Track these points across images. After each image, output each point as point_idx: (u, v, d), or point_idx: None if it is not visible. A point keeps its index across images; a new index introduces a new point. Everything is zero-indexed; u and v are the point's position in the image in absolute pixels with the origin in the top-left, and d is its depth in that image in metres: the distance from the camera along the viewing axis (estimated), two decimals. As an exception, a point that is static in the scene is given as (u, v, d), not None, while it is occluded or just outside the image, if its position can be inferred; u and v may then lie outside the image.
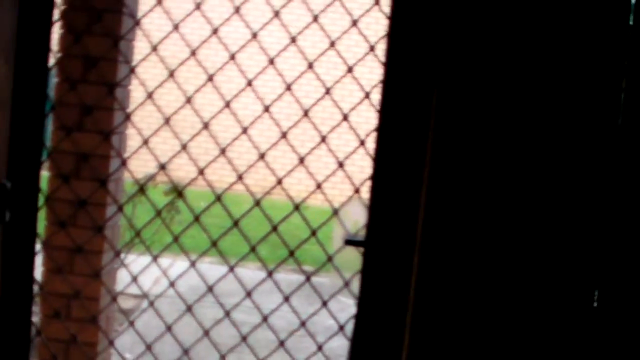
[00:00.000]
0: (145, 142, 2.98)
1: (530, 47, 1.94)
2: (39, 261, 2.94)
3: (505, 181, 1.95)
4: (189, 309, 3.04)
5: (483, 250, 1.96)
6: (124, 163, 3.22)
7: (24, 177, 2.16)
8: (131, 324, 3.21)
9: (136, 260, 4.61)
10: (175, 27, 3.03)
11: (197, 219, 2.97)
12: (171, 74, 2.99)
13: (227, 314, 2.93)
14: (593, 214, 1.95)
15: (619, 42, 1.93)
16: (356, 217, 2.28)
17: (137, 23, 3.26)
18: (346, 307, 4.65)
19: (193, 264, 3.01)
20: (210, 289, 2.98)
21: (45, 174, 3.03)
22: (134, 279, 3.19)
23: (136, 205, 5.59)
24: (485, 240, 1.96)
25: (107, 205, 3.32)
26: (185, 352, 3.04)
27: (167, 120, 3.01)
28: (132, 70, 3.27)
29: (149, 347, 3.07)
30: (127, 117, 3.24)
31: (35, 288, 2.23)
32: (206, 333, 2.98)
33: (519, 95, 1.94)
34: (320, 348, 2.78)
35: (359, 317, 2.16)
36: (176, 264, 3.49)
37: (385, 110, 2.11)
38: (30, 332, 2.20)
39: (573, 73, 1.93)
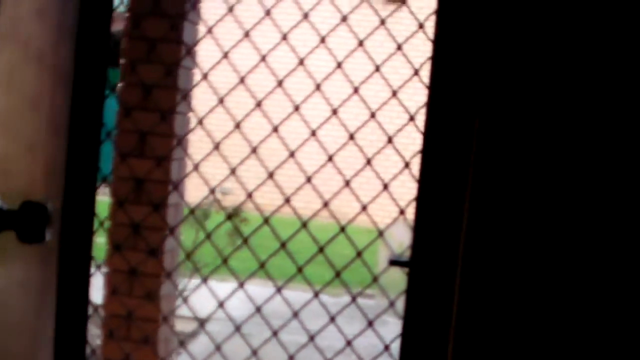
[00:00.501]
0: (196, 167, 3.05)
1: (574, 71, 1.96)
2: (100, 283, 3.05)
3: (544, 203, 1.97)
4: (238, 329, 3.07)
5: (524, 270, 1.98)
6: (175, 187, 3.30)
7: (78, 201, 2.24)
8: (181, 343, 3.27)
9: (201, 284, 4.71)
10: (225, 54, 3.10)
11: (245, 241, 3.00)
12: (221, 101, 3.06)
13: (275, 334, 2.96)
14: None
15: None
16: (401, 238, 2.31)
17: (189, 52, 3.35)
18: (393, 327, 4.65)
19: (241, 285, 3.05)
20: (258, 309, 3.01)
21: (106, 199, 3.14)
22: (184, 300, 3.24)
23: (198, 231, 5.68)
24: (526, 261, 1.98)
25: (164, 229, 3.38)
26: None
27: (217, 146, 3.07)
28: (184, 97, 3.35)
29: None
30: (179, 142, 3.32)
31: (90, 309, 2.30)
32: (254, 352, 3.01)
33: (559, 118, 1.96)
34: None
35: (404, 337, 2.18)
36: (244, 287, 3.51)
37: (429, 133, 2.14)
38: (85, 352, 2.27)
39: (618, 94, 1.94)
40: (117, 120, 3.35)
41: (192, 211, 3.48)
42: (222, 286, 3.09)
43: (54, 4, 2.07)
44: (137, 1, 3.34)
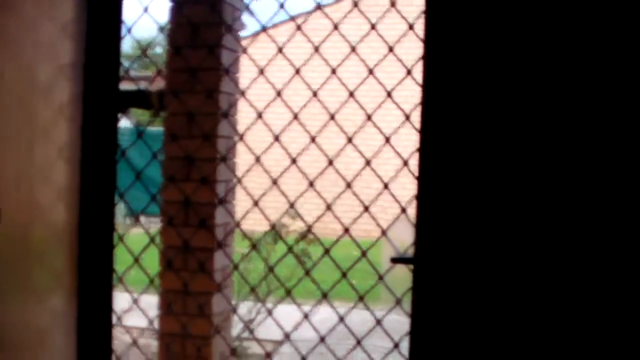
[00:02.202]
0: (256, 203, 3.06)
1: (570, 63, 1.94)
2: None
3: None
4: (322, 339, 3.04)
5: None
6: (220, 202, 3.37)
7: (97, 218, 2.36)
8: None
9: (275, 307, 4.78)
10: (261, 71, 3.14)
11: (307, 273, 2.94)
12: (259, 115, 3.11)
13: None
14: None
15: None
16: (404, 237, 2.30)
17: (226, 73, 3.44)
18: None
19: (306, 316, 2.96)
20: (322, 339, 2.92)
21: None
22: (245, 324, 3.19)
23: (270, 253, 5.80)
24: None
25: (214, 250, 3.47)
26: None
27: (274, 181, 3.08)
28: (225, 116, 3.44)
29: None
30: (223, 160, 3.41)
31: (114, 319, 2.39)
32: None
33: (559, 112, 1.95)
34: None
35: (412, 334, 2.17)
36: (321, 309, 3.45)
37: (426, 131, 2.15)
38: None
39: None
40: (163, 146, 3.48)
41: (275, 228, 3.52)
42: (292, 309, 3.07)
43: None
44: (176, 33, 3.49)
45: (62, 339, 2.29)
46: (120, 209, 12.05)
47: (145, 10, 3.08)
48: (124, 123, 16.25)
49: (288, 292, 3.12)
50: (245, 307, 5.68)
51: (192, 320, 3.39)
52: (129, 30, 2.84)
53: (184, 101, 3.42)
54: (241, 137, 3.13)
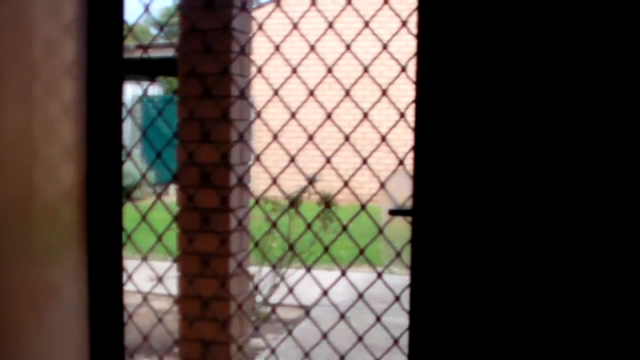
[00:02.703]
0: (292, 159, 3.06)
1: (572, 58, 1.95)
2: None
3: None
4: (342, 316, 3.07)
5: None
6: (239, 179, 3.39)
7: (105, 217, 2.42)
8: (289, 332, 3.30)
9: (295, 274, 4.82)
10: (277, 48, 3.12)
11: (345, 228, 2.93)
12: (276, 92, 3.10)
13: (378, 319, 2.90)
14: None
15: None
16: (403, 190, 2.31)
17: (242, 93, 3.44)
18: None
19: (344, 273, 2.98)
20: (360, 296, 2.95)
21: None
22: (290, 290, 3.17)
23: (292, 218, 5.84)
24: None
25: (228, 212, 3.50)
26: (342, 358, 3.08)
27: (310, 137, 3.08)
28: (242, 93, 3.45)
29: (306, 354, 3.16)
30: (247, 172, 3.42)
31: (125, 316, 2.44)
32: (360, 339, 3.00)
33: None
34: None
35: (413, 286, 2.20)
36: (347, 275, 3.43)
37: (421, 83, 2.16)
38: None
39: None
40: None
41: (291, 203, 3.60)
42: (320, 274, 3.08)
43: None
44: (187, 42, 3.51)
45: (75, 294, 2.34)
46: (151, 176, 12.24)
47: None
48: (154, 90, 16.38)
49: (308, 270, 3.08)
50: (269, 273, 5.73)
51: (208, 282, 3.43)
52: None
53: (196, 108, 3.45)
54: (258, 115, 3.10)
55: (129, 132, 13.92)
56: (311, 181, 4.66)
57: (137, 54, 9.78)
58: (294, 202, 3.42)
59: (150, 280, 3.44)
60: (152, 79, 12.13)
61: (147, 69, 11.49)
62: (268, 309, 6.16)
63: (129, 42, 10.68)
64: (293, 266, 5.71)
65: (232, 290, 3.46)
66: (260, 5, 12.47)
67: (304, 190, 4.37)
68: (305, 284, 3.22)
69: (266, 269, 5.48)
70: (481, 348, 2.06)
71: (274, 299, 6.09)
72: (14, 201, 2.08)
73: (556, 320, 2.01)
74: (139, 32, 16.87)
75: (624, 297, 1.95)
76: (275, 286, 5.92)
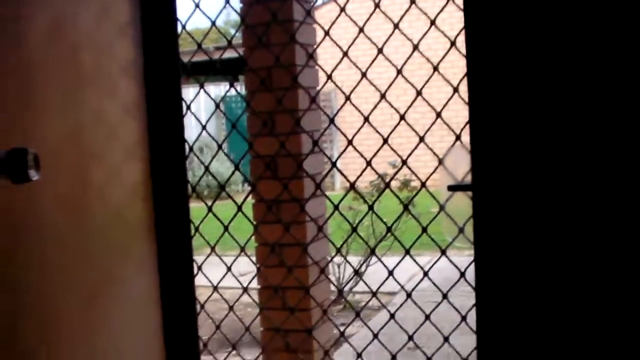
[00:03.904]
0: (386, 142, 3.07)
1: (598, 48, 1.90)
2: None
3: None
4: (444, 296, 2.99)
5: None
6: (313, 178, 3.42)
7: (173, 208, 2.48)
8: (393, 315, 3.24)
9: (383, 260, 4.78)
10: (345, 54, 3.06)
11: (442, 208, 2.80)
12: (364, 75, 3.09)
13: (445, 296, 2.83)
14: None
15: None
16: (462, 165, 2.28)
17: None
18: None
19: (443, 252, 2.90)
20: (462, 274, 2.83)
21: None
22: (390, 273, 3.07)
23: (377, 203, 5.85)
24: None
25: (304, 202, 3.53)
26: (446, 339, 3.02)
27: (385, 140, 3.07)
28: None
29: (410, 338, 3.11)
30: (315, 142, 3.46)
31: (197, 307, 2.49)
32: (427, 318, 2.95)
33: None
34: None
35: (477, 262, 2.17)
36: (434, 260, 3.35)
37: (472, 57, 2.13)
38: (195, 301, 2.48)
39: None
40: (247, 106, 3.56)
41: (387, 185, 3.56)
42: (395, 261, 3.04)
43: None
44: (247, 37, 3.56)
45: (144, 288, 2.41)
46: (237, 177, 12.42)
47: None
48: (235, 91, 16.60)
49: (407, 252, 2.95)
50: (355, 261, 5.77)
51: (287, 274, 3.47)
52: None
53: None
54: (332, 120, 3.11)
55: (215, 132, 14.19)
56: (394, 167, 4.65)
57: (216, 55, 9.94)
58: (387, 185, 3.32)
59: (240, 275, 3.48)
60: (234, 79, 12.32)
61: (226, 70, 11.67)
62: (356, 297, 6.19)
63: (207, 44, 10.85)
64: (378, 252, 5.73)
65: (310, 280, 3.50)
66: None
67: (391, 176, 4.36)
68: (384, 272, 3.19)
69: (350, 258, 5.50)
70: (546, 321, 2.02)
71: (359, 287, 6.15)
72: (74, 201, 2.14)
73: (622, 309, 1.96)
74: (220, 35, 17.22)
75: None
76: (358, 273, 5.95)
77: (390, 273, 2.89)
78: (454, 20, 3.24)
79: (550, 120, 1.98)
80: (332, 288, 5.38)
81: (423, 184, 2.55)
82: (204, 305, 2.92)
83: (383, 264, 3.07)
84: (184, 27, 2.62)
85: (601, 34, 1.92)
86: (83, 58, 2.13)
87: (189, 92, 12.63)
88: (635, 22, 1.87)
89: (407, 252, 2.77)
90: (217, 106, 3.17)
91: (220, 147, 3.25)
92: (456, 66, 2.94)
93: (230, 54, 3.66)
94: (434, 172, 2.60)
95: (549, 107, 1.97)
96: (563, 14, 1.94)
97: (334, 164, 3.00)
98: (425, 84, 2.61)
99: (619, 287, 1.95)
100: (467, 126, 2.14)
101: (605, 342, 1.98)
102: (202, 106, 13.55)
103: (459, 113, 2.94)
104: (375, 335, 3.06)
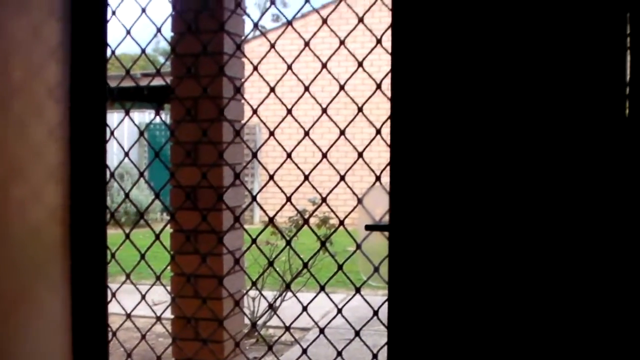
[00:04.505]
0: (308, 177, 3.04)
1: (531, 42, 1.98)
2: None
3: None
4: (357, 334, 2.98)
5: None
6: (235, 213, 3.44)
7: (90, 233, 2.46)
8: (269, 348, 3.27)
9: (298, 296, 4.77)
10: (272, 89, 3.10)
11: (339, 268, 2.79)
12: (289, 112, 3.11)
13: (357, 333, 2.81)
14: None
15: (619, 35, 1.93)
16: (380, 206, 2.33)
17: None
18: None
19: (358, 290, 2.88)
20: (375, 313, 2.77)
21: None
22: (304, 309, 3.02)
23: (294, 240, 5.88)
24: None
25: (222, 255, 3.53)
26: None
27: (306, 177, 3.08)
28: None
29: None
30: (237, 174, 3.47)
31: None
32: (339, 353, 2.90)
33: (515, 95, 1.99)
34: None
35: (391, 300, 2.22)
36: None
37: (396, 99, 2.19)
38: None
39: (575, 68, 1.95)
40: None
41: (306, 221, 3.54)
42: (309, 297, 3.05)
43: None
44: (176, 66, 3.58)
45: (58, 308, 2.38)
46: (157, 205, 12.32)
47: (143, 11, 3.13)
48: (159, 119, 16.49)
49: (322, 288, 2.95)
50: (269, 296, 5.77)
51: (201, 305, 3.45)
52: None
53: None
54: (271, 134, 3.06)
55: (137, 159, 14.04)
56: (313, 203, 4.68)
57: (144, 82, 9.88)
58: (306, 221, 3.32)
59: (154, 304, 3.45)
60: (159, 106, 12.24)
61: (152, 97, 11.60)
62: (269, 331, 6.18)
63: (136, 71, 10.77)
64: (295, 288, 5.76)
65: (225, 312, 3.49)
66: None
67: (310, 213, 4.39)
68: (298, 308, 3.20)
69: (265, 292, 5.50)
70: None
71: (272, 322, 6.15)
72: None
73: (538, 337, 2.02)
74: (148, 62, 17.06)
75: (604, 301, 1.96)
76: (273, 307, 5.96)
77: (305, 308, 2.91)
78: (382, 62, 3.33)
79: (467, 167, 2.04)
80: (246, 321, 5.37)
81: (341, 222, 2.59)
82: (116, 333, 2.88)
83: (297, 298, 3.08)
84: (113, 52, 2.62)
85: (513, 84, 2.00)
86: (12, 73, 2.12)
87: (113, 117, 12.52)
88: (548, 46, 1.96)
89: (322, 288, 2.79)
90: (142, 133, 3.16)
91: (142, 174, 3.23)
92: (382, 108, 3.01)
93: (157, 81, 3.66)
94: (352, 210, 2.65)
95: (468, 154, 2.04)
96: (485, 62, 2.02)
97: (254, 198, 3.01)
98: (348, 124, 2.66)
99: (531, 319, 2.02)
100: (388, 167, 2.20)
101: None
102: (125, 133, 13.40)
103: (380, 154, 3.02)
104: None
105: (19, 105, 2.18)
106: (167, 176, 3.48)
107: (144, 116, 14.68)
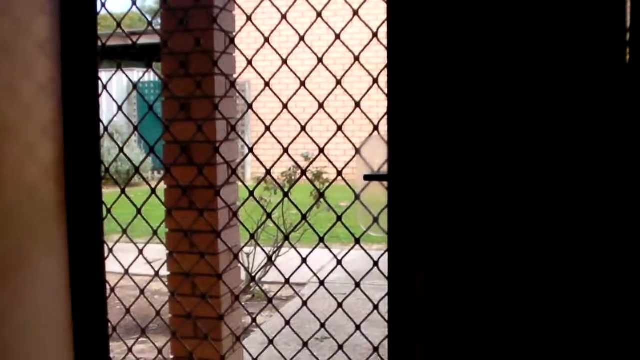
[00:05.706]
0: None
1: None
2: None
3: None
4: (357, 285, 2.89)
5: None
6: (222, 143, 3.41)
7: (85, 189, 2.44)
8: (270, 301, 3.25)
9: (290, 252, 4.79)
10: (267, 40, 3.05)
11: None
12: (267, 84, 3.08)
13: (357, 285, 2.79)
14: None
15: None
16: (379, 155, 2.30)
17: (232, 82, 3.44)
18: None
19: (357, 241, 2.82)
20: (375, 264, 2.70)
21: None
22: (302, 262, 2.99)
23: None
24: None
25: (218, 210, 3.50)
26: (358, 327, 3.00)
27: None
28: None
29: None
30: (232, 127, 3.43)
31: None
32: (339, 305, 2.88)
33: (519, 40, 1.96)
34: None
35: (390, 251, 2.21)
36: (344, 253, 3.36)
37: (393, 47, 2.16)
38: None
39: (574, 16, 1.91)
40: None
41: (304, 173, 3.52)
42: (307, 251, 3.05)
43: None
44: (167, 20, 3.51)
45: (54, 269, 2.36)
46: (147, 165, 12.28)
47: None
48: (151, 77, 16.42)
49: (322, 239, 2.90)
50: (263, 253, 5.77)
51: (199, 261, 3.44)
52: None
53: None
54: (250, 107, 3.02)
55: (126, 119, 13.92)
56: (306, 158, 4.65)
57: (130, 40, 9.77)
58: (303, 172, 3.27)
59: (145, 264, 3.44)
60: (148, 65, 12.14)
61: (140, 56, 11.51)
62: (264, 287, 6.20)
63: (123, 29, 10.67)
64: (286, 245, 5.77)
65: (221, 268, 3.48)
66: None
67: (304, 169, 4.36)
68: (293, 264, 3.20)
69: (258, 249, 5.51)
70: (458, 313, 2.06)
71: (267, 278, 6.17)
72: None
73: (537, 304, 2.01)
74: (136, 20, 16.86)
75: (613, 299, 1.94)
76: (267, 265, 5.98)
77: (304, 260, 2.89)
78: (379, 10, 3.27)
79: (466, 114, 2.02)
80: (242, 277, 5.37)
81: (339, 173, 2.56)
82: (114, 289, 2.86)
83: (297, 251, 3.07)
84: (103, 5, 2.57)
85: (514, 28, 1.96)
86: (3, 32, 2.07)
87: (101, 76, 12.37)
88: (548, 22, 1.93)
89: (322, 239, 2.78)
90: (135, 87, 3.11)
91: (136, 128, 3.18)
92: (380, 57, 2.97)
93: (145, 39, 3.60)
94: (350, 160, 2.62)
95: (466, 101, 2.01)
96: (482, 18, 1.98)
97: (250, 150, 2.98)
98: (345, 73, 2.62)
99: (535, 278, 2.00)
100: (386, 117, 2.18)
101: (520, 336, 2.02)
102: (114, 92, 13.29)
103: (379, 104, 2.98)
104: (287, 322, 3.07)
105: (7, 62, 2.13)
106: (158, 135, 3.43)
107: (132, 74, 14.56)
